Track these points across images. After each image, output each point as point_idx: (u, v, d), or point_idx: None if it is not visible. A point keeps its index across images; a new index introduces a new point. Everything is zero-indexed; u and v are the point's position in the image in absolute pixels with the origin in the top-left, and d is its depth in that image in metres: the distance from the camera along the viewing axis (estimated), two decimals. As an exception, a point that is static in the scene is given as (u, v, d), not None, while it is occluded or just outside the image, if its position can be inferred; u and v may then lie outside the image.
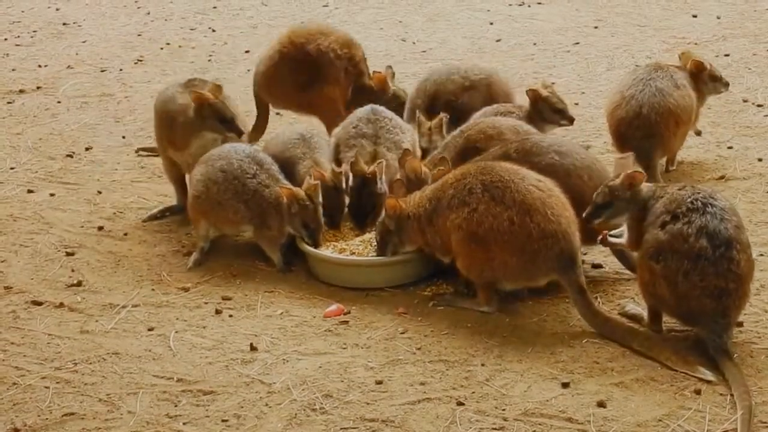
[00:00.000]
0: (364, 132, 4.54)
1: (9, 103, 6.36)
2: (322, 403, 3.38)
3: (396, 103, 5.26)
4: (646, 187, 3.72)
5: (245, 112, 6.15)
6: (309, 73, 5.23)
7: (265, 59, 5.38)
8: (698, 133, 5.36)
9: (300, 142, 4.56)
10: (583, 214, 3.82)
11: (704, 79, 5.11)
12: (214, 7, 8.47)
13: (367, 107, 4.70)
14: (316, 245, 4.16)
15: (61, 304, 4.04)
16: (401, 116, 5.10)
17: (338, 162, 4.53)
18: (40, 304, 4.05)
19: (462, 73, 5.08)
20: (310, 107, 5.33)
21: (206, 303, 4.04)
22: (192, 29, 7.90)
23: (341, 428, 3.25)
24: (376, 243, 4.15)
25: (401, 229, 4.03)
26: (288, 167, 4.47)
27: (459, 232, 3.80)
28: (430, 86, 5.08)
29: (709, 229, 3.49)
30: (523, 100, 4.98)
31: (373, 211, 4.30)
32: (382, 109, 4.72)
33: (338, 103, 5.26)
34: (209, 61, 7.12)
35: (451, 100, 5.01)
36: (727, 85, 5.20)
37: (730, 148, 5.32)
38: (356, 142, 4.50)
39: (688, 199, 3.57)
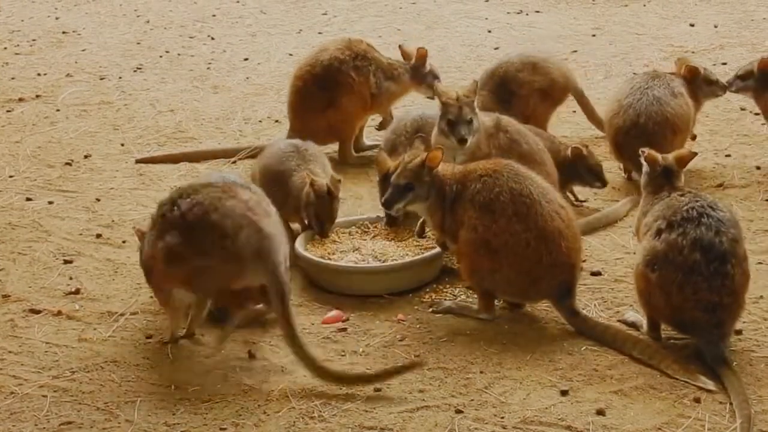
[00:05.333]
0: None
1: (8, 111, 6.36)
2: (320, 411, 3.36)
3: (433, 77, 5.44)
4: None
5: (243, 119, 6.20)
6: (327, 91, 5.30)
7: (288, 107, 5.51)
8: (693, 138, 5.37)
9: (294, 154, 4.55)
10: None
11: (699, 84, 5.11)
12: (213, 16, 8.48)
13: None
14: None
15: (59, 312, 4.03)
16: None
17: None
18: (38, 312, 4.04)
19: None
20: (336, 123, 5.35)
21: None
22: (191, 37, 7.92)
23: (340, 436, 3.25)
24: (392, 188, 3.89)
25: (430, 188, 3.85)
26: (283, 180, 4.47)
27: (472, 233, 3.77)
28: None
29: (704, 243, 3.47)
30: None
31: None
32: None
33: (355, 119, 5.38)
34: (208, 69, 7.13)
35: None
36: (724, 88, 5.19)
37: (728, 156, 5.33)
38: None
39: (684, 207, 3.56)
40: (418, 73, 5.49)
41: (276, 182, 4.47)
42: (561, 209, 3.81)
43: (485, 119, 4.45)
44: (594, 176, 4.81)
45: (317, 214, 4.30)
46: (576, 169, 4.78)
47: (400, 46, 5.62)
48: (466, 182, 3.84)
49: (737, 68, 5.40)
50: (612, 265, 4.25)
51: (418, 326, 3.87)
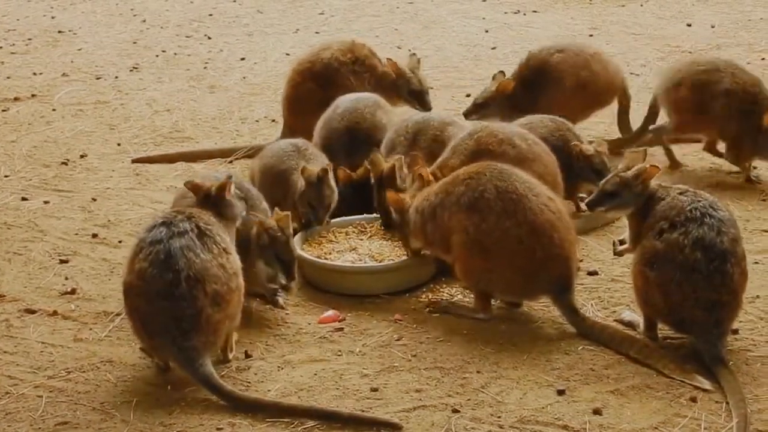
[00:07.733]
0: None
1: (4, 110, 6.35)
2: (317, 411, 3.36)
3: (409, 88, 5.39)
4: (653, 183, 3.68)
5: (240, 118, 6.19)
6: (323, 89, 5.28)
7: (283, 101, 5.48)
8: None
9: (295, 154, 4.56)
10: (586, 201, 3.82)
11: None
12: (210, 15, 8.48)
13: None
14: (290, 279, 3.90)
15: (55, 312, 4.02)
16: (422, 102, 5.37)
17: None
18: (33, 312, 4.03)
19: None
20: None
21: (201, 311, 4.02)
22: (188, 37, 7.91)
23: (336, 436, 3.24)
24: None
25: (407, 224, 4.01)
26: (283, 179, 4.47)
27: (463, 234, 3.76)
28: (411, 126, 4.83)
29: (705, 242, 3.48)
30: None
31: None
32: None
33: None
34: (205, 68, 7.13)
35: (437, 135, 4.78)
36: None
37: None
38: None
39: (687, 207, 3.55)
40: (393, 85, 5.40)
41: (276, 181, 4.48)
42: (550, 201, 3.77)
43: (463, 140, 4.33)
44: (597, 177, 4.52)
45: (309, 201, 4.31)
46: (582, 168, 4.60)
47: (387, 59, 5.47)
48: (449, 188, 3.85)
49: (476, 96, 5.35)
50: (609, 265, 4.24)
51: (414, 326, 3.87)
